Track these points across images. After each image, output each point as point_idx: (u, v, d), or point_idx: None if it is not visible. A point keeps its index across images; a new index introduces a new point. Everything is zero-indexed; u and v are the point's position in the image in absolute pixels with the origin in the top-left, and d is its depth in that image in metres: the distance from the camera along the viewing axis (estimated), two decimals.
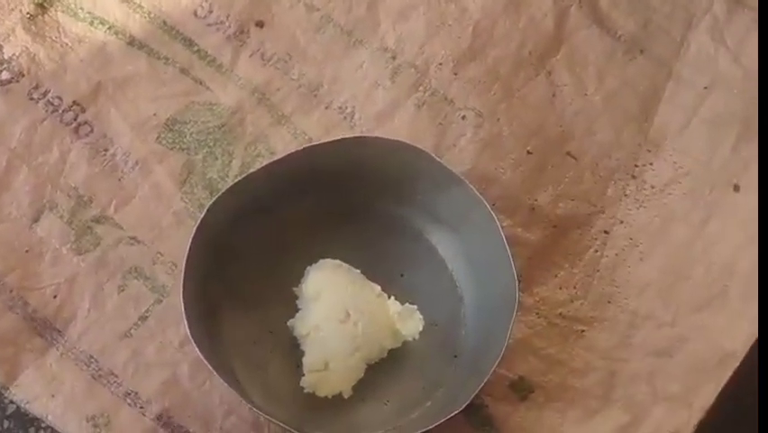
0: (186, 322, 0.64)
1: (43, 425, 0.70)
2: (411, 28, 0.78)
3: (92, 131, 0.75)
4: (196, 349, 0.63)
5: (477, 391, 0.64)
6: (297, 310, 0.71)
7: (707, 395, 0.69)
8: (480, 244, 0.70)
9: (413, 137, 0.73)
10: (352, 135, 0.74)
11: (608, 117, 0.77)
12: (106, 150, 0.74)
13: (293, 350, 0.70)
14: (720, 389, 0.69)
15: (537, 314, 0.72)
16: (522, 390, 0.70)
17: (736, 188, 0.75)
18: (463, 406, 0.63)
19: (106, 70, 0.76)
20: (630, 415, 0.69)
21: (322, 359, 0.68)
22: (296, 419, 0.67)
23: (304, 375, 0.69)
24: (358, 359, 0.68)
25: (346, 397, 0.69)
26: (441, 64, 0.77)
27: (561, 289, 0.73)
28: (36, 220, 0.72)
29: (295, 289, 0.71)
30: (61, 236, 0.72)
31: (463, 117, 0.76)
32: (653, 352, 0.71)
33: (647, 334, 0.71)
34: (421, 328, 0.69)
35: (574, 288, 0.73)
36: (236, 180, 0.68)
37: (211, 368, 0.63)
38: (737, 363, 0.69)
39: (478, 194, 0.68)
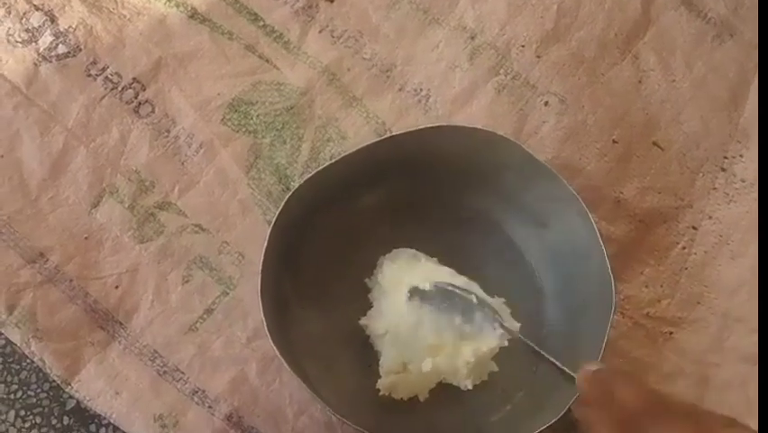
0: (263, 317, 0.60)
1: (104, 422, 0.67)
2: (492, 7, 0.73)
3: (153, 110, 0.71)
4: (273, 346, 0.60)
5: (571, 403, 0.60)
6: (370, 305, 0.67)
7: None
8: (568, 240, 0.67)
9: (491, 123, 0.70)
10: (428, 121, 0.70)
11: (695, 105, 0.73)
12: (168, 131, 0.71)
13: (365, 348, 0.67)
14: None
15: (622, 314, 0.69)
16: None
17: None
18: (558, 417, 0.60)
19: (167, 45, 0.72)
20: None
21: (400, 360, 0.65)
22: (370, 420, 0.64)
23: (379, 376, 0.66)
24: (438, 359, 0.64)
25: (422, 399, 0.66)
26: (523, 46, 0.73)
27: (647, 287, 0.70)
28: (95, 205, 0.69)
29: (367, 280, 0.68)
30: (122, 223, 0.69)
31: (546, 103, 0.72)
32: (746, 357, 0.68)
33: (740, 338, 0.68)
34: (518, 326, 0.65)
35: (661, 286, 0.70)
36: (312, 173, 0.64)
37: (284, 362, 0.59)
38: None
39: (569, 187, 0.65)
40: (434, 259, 0.68)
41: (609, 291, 0.62)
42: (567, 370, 0.58)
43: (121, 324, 0.67)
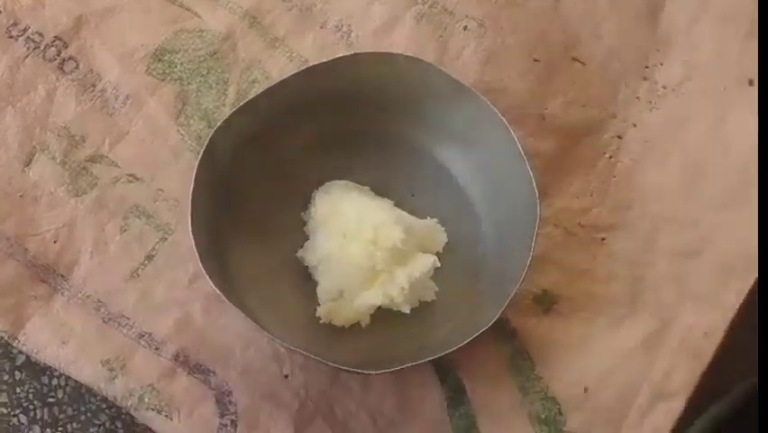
0: (197, 256, 0.61)
1: (56, 373, 0.68)
2: None
3: (77, 66, 0.71)
4: (210, 283, 0.60)
5: (503, 309, 0.62)
6: (306, 239, 0.68)
7: (737, 293, 0.67)
8: (494, 157, 0.68)
9: (414, 52, 0.71)
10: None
11: (613, 19, 0.74)
12: (94, 85, 0.71)
13: (306, 279, 0.68)
14: (751, 286, 0.67)
15: (555, 225, 0.70)
16: (546, 302, 0.68)
17: (751, 82, 0.72)
18: (490, 324, 0.61)
19: (87, 2, 0.73)
20: (660, 319, 0.68)
21: (336, 288, 0.66)
22: (315, 347, 0.65)
23: (319, 305, 0.67)
24: (375, 285, 0.65)
25: (364, 326, 0.67)
26: None
27: (577, 198, 0.71)
28: (28, 164, 0.69)
29: (303, 214, 0.69)
30: (56, 179, 0.69)
31: (465, 28, 0.73)
32: (678, 253, 0.69)
33: (670, 236, 0.69)
34: (446, 240, 0.67)
35: (591, 196, 0.71)
36: (235, 109, 0.65)
37: (225, 299, 0.60)
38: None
39: (490, 104, 0.66)
40: (367, 188, 0.69)
41: (536, 205, 0.64)
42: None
43: (62, 276, 0.67)
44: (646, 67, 0.74)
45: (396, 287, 0.64)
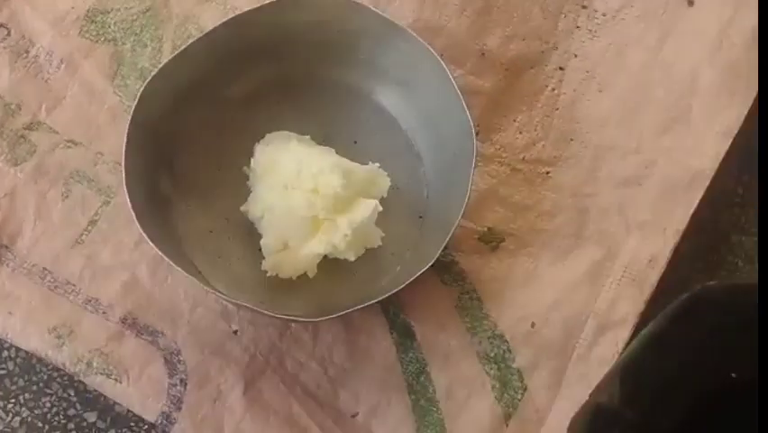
0: (135, 219, 0.60)
1: (6, 345, 0.68)
2: None
3: (9, 33, 0.71)
4: (152, 244, 0.60)
5: (444, 246, 0.61)
6: (249, 192, 0.68)
7: (680, 219, 0.66)
8: (432, 97, 0.67)
9: None
10: None
11: None
12: (27, 52, 0.71)
13: (252, 235, 0.67)
14: (693, 211, 0.66)
15: (499, 162, 0.70)
16: (492, 240, 0.68)
17: (690, 2, 0.71)
18: (431, 262, 0.61)
19: None
20: (604, 249, 0.67)
21: (280, 240, 0.65)
22: (263, 300, 0.65)
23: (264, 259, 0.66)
24: (318, 234, 0.65)
25: (311, 276, 0.66)
26: None
27: (521, 133, 0.70)
28: None
29: (245, 168, 0.68)
30: None
31: None
32: (622, 182, 0.68)
33: (613, 165, 0.69)
34: (389, 184, 0.66)
35: (534, 130, 0.70)
36: (165, 63, 0.64)
37: (169, 261, 0.60)
38: (708, 182, 0.66)
39: (425, 44, 0.65)
40: (307, 137, 0.69)
41: (473, 142, 0.63)
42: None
43: (6, 247, 0.67)
44: None
45: (339, 234, 0.64)
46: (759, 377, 0.46)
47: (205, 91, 0.68)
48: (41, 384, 0.68)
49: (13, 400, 0.67)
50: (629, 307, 0.65)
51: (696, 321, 0.49)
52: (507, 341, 0.66)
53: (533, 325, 0.66)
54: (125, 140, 0.62)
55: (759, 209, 0.59)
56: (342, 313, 0.61)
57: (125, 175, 0.62)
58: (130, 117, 0.62)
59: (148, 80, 0.63)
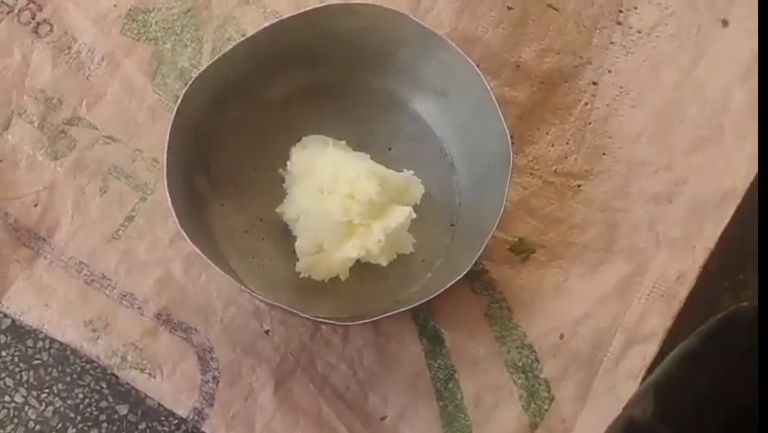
0: (174, 216, 0.61)
1: (41, 335, 0.69)
2: None
3: (52, 29, 0.72)
4: (189, 241, 0.61)
5: (477, 257, 0.62)
6: (285, 193, 0.69)
7: (709, 237, 0.68)
8: (468, 107, 0.68)
9: (388, 3, 0.70)
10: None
11: None
12: (70, 48, 0.71)
13: (285, 236, 0.69)
14: (722, 229, 0.67)
15: (531, 174, 0.71)
16: (522, 251, 0.69)
17: (725, 23, 0.72)
18: (465, 272, 0.62)
19: None
20: (634, 264, 0.68)
21: (314, 242, 0.66)
22: (295, 302, 0.66)
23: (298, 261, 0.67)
24: (353, 239, 0.66)
25: (343, 279, 0.67)
26: None
27: (553, 146, 0.71)
28: (6, 128, 0.70)
29: (281, 170, 0.69)
30: (34, 142, 0.70)
31: None
32: (652, 198, 0.70)
33: (645, 181, 0.70)
34: (422, 192, 0.67)
35: (567, 143, 0.71)
36: (207, 65, 0.65)
37: (206, 258, 0.61)
38: (738, 201, 0.68)
39: (464, 54, 0.66)
40: (343, 142, 0.70)
41: (509, 153, 0.64)
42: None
43: (44, 240, 0.68)
44: (620, 11, 0.73)
45: (372, 239, 0.65)
46: (759, 377, 0.47)
47: (243, 93, 0.69)
48: (74, 376, 0.69)
49: (46, 391, 0.69)
50: (657, 322, 0.66)
51: (729, 341, 0.51)
52: (535, 351, 0.67)
53: (561, 336, 0.67)
54: (167, 140, 0.63)
55: (759, 209, 0.60)
56: (374, 319, 0.63)
57: (166, 175, 0.62)
58: (172, 119, 0.63)
59: (190, 83, 0.64)
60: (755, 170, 0.68)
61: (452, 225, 0.70)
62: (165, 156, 0.63)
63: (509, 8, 0.72)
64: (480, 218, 0.67)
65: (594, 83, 0.72)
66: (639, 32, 0.73)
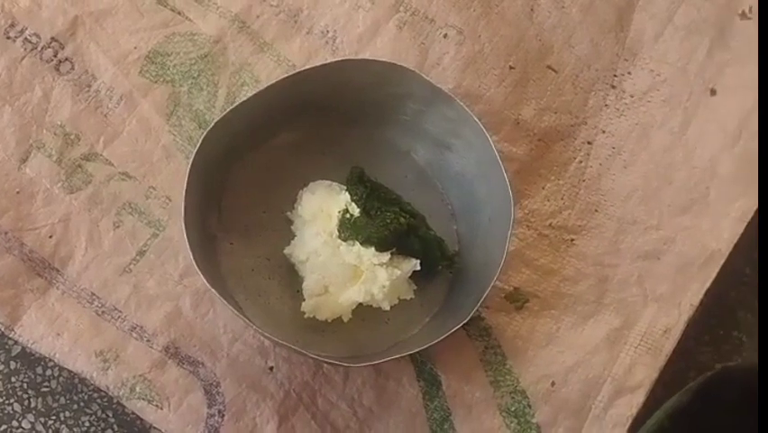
0: (190, 254, 0.64)
1: (51, 364, 0.71)
2: None
3: (73, 67, 0.74)
4: (204, 280, 0.63)
5: (478, 306, 0.66)
6: (293, 235, 0.72)
7: (694, 294, 0.72)
8: (470, 161, 0.72)
9: (396, 58, 0.74)
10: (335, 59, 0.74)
11: (585, 29, 0.78)
12: (89, 86, 0.74)
13: (291, 276, 0.72)
14: (707, 287, 0.71)
15: (527, 226, 0.74)
16: (517, 300, 0.73)
17: (713, 92, 0.76)
18: (466, 320, 0.65)
19: (82, 4, 0.75)
20: (622, 317, 0.72)
21: (321, 284, 0.69)
22: (299, 340, 0.69)
23: (304, 300, 0.70)
24: (358, 283, 0.69)
25: (346, 321, 0.70)
26: None
27: (548, 200, 0.75)
28: (24, 161, 0.72)
29: (288, 213, 0.72)
30: (51, 176, 0.72)
31: (445, 36, 0.76)
32: (642, 255, 0.74)
33: (634, 238, 0.74)
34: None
35: (561, 198, 0.75)
36: (227, 111, 0.68)
37: (215, 294, 0.63)
38: (722, 261, 0.72)
39: (467, 110, 0.69)
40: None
41: (510, 207, 0.68)
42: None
43: (57, 270, 0.71)
44: (615, 76, 0.78)
45: (377, 285, 0.68)
46: (759, 377, 0.50)
47: (256, 137, 0.73)
48: (81, 404, 0.71)
49: (53, 417, 0.71)
50: (644, 373, 0.70)
51: (717, 399, 0.54)
52: (527, 397, 0.70)
53: (553, 384, 0.71)
54: (185, 183, 0.65)
55: (759, 209, 0.64)
56: (376, 363, 0.66)
57: (184, 214, 0.65)
58: (191, 161, 0.66)
59: (210, 127, 0.67)
60: (740, 232, 0.72)
61: (451, 273, 0.73)
62: (183, 196, 0.65)
63: (511, 68, 0.76)
64: (478, 269, 0.70)
65: (589, 142, 0.76)
66: (632, 97, 0.77)
